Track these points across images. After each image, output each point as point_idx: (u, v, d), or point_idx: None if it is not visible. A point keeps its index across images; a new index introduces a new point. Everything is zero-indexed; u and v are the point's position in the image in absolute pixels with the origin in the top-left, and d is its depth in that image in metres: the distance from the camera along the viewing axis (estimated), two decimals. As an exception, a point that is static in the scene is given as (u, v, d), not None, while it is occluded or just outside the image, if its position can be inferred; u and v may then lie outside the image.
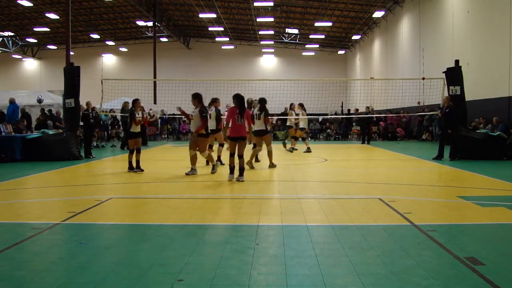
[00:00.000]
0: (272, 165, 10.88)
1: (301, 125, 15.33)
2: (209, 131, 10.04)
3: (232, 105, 8.94)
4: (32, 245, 4.51)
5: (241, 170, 8.59)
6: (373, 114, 22.40)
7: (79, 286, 3.39)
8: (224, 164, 11.97)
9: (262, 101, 11.10)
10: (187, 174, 9.57)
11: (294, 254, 4.07)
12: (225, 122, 12.34)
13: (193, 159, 9.68)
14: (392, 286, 3.35)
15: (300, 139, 15.53)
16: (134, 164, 10.27)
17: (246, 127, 9.26)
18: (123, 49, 41.13)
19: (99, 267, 3.81)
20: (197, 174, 9.63)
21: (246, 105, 11.44)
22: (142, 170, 10.20)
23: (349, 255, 4.03)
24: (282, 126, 25.54)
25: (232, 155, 8.74)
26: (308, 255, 4.05)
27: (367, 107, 22.78)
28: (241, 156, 8.65)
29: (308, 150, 15.11)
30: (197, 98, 9.55)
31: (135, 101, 10.60)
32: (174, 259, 3.98)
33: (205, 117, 9.47)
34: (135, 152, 10.35)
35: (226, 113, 10.06)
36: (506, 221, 5.41)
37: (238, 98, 8.86)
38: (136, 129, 10.43)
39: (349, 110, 33.35)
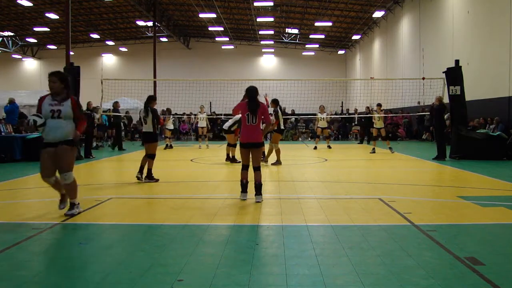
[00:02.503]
0: (278, 162, 11.76)
1: (378, 125, 15.84)
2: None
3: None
4: (32, 245, 4.51)
5: (258, 187, 6.63)
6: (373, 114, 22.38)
7: (79, 286, 3.39)
8: (239, 162, 12.11)
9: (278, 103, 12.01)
10: (66, 215, 5.62)
11: (294, 254, 4.07)
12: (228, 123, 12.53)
13: (66, 188, 5.82)
14: (392, 286, 3.35)
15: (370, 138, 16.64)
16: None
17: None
18: (123, 49, 41.13)
19: (99, 267, 3.82)
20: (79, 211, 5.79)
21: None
22: (156, 180, 8.77)
23: (349, 255, 4.02)
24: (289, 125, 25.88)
25: (245, 168, 6.78)
26: (308, 255, 4.05)
27: (367, 107, 22.77)
28: (257, 169, 6.71)
29: (391, 151, 15.31)
30: (64, 80, 5.62)
31: (153, 99, 9.12)
32: (174, 259, 3.98)
33: (82, 112, 5.99)
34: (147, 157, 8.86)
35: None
36: (506, 221, 5.41)
37: (249, 91, 6.83)
38: (146, 128, 8.90)
39: (347, 110, 33.36)
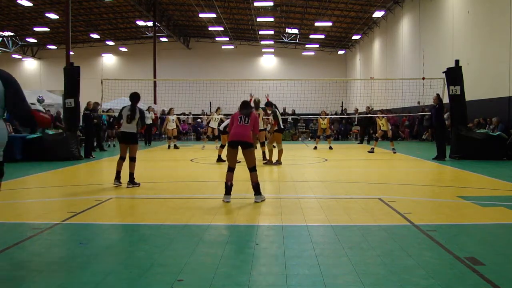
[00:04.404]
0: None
1: (384, 128, 16.21)
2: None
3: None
4: (32, 245, 4.50)
5: (256, 188, 6.58)
6: (375, 114, 22.43)
7: (79, 286, 3.39)
8: (225, 160, 12.20)
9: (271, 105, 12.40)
10: None
11: (294, 254, 4.07)
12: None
13: None
14: (392, 286, 3.35)
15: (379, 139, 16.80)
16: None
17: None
18: (123, 49, 41.13)
19: (99, 267, 3.81)
20: None
21: (253, 105, 12.13)
22: (138, 184, 8.19)
23: (349, 255, 4.02)
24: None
25: (230, 170, 6.66)
26: (308, 255, 4.05)
27: (367, 107, 22.78)
28: (252, 170, 6.62)
29: (395, 151, 15.43)
30: None
31: (139, 97, 8.63)
32: (174, 259, 3.98)
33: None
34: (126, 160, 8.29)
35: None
36: (506, 221, 5.41)
37: (242, 102, 7.06)
38: (130, 128, 8.21)
39: (346, 109, 33.37)
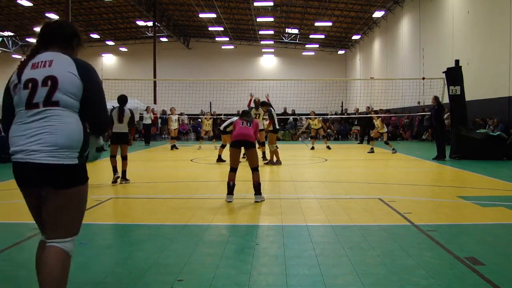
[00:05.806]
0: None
1: (381, 130, 16.18)
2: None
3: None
4: (32, 245, 4.49)
5: (257, 188, 6.63)
6: (375, 114, 22.43)
7: (79, 286, 3.39)
8: (225, 161, 12.22)
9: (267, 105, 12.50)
10: None
11: (294, 254, 4.07)
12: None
13: None
14: (392, 286, 3.34)
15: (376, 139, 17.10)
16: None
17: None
18: (123, 49, 41.13)
19: (99, 267, 3.82)
20: None
21: (253, 104, 12.46)
22: (128, 180, 8.65)
23: (349, 255, 4.02)
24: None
25: (233, 170, 6.76)
26: (308, 255, 4.04)
27: (368, 107, 22.79)
28: (254, 170, 6.69)
29: (394, 151, 15.39)
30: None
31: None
32: (174, 259, 3.98)
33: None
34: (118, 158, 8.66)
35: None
36: (506, 221, 5.41)
37: (243, 112, 7.50)
38: (121, 128, 8.60)
39: (346, 109, 33.40)
